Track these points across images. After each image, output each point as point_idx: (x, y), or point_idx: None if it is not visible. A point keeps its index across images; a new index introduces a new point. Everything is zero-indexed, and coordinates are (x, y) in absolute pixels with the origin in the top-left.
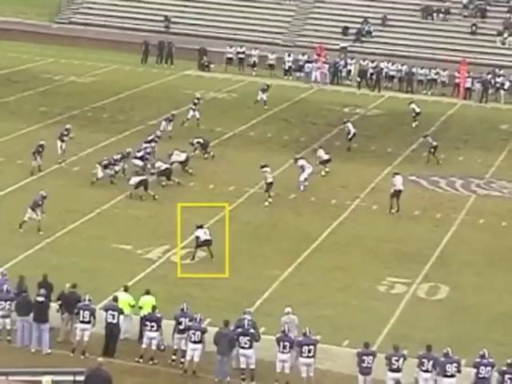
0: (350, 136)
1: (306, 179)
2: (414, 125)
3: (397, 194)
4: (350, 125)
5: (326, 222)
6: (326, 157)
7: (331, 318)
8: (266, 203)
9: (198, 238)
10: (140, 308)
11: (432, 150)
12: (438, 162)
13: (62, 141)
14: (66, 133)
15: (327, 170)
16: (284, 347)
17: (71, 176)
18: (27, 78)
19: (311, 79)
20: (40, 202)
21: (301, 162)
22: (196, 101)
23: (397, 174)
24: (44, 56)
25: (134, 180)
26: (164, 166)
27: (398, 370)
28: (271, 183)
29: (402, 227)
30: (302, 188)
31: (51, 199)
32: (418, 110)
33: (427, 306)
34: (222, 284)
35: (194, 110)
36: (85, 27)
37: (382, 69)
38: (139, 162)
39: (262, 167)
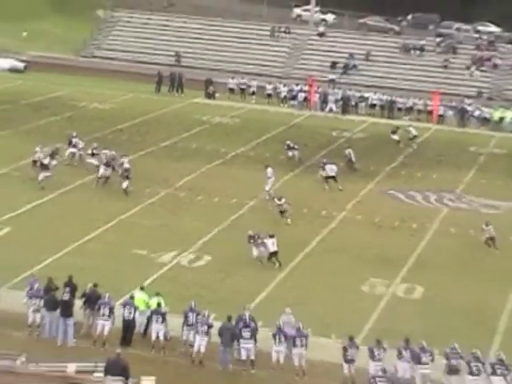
0: (352, 159)
1: (269, 189)
2: (414, 146)
3: (330, 178)
4: (350, 150)
5: (317, 231)
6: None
7: (321, 315)
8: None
9: (265, 244)
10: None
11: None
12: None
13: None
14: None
15: (339, 187)
16: (279, 340)
17: (94, 190)
18: (56, 105)
19: (326, 109)
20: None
21: (269, 171)
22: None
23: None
24: (70, 85)
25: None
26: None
27: (379, 360)
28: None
29: (382, 235)
30: (267, 197)
31: (77, 210)
32: (414, 133)
33: (405, 304)
34: (225, 285)
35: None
36: (106, 61)
37: (367, 98)
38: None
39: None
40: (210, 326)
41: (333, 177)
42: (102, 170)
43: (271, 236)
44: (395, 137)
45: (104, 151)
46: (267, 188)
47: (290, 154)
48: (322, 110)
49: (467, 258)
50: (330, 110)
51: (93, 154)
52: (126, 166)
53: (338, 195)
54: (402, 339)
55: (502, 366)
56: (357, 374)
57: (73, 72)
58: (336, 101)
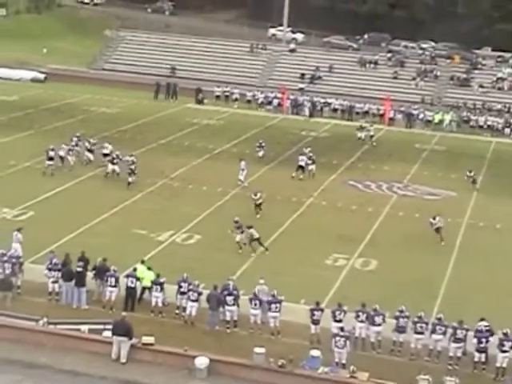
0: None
1: (243, 180)
2: (374, 143)
3: (301, 168)
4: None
5: (289, 214)
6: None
7: (292, 284)
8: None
9: (252, 235)
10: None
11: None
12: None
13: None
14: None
15: (300, 176)
16: (255, 304)
17: (103, 180)
18: (71, 109)
19: (303, 114)
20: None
21: (243, 163)
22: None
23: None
24: (83, 93)
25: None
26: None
27: (340, 321)
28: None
29: (343, 218)
30: (243, 184)
31: (88, 197)
32: (372, 133)
33: (361, 274)
34: (212, 259)
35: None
36: (113, 73)
37: (330, 103)
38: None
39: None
40: (199, 294)
41: (301, 166)
42: (110, 166)
43: (250, 227)
44: (360, 134)
45: (106, 145)
46: (241, 178)
47: (260, 151)
48: (297, 114)
49: (413, 236)
50: (305, 115)
51: (90, 150)
52: (132, 164)
53: (306, 184)
54: (359, 304)
55: (442, 325)
56: (322, 333)
57: (85, 82)
58: (333, 110)
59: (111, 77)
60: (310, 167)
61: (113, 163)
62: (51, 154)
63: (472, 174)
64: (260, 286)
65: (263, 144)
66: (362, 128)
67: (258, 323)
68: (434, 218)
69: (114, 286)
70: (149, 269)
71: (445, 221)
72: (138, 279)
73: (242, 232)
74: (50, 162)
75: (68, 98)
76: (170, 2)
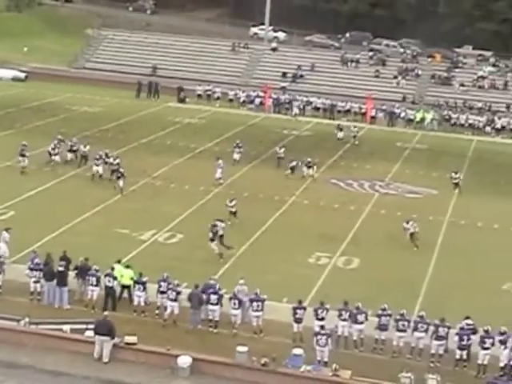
0: (281, 157)
1: (220, 178)
2: (356, 142)
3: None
4: (284, 149)
5: (271, 212)
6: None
7: (275, 282)
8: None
9: (217, 230)
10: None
11: (279, 159)
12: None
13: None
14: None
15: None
16: (234, 304)
17: (84, 179)
18: (52, 108)
19: (292, 113)
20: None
21: (220, 162)
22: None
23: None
24: (64, 92)
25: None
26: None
27: (322, 319)
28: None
29: (325, 216)
30: (219, 182)
31: (70, 197)
32: (355, 133)
33: (344, 273)
34: (195, 258)
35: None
36: (94, 71)
37: (311, 102)
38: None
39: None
40: (178, 293)
41: (280, 158)
42: (94, 168)
43: (221, 221)
44: (340, 134)
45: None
46: (218, 176)
47: (236, 154)
48: (279, 112)
49: (395, 234)
50: (295, 115)
51: (72, 150)
52: (118, 166)
53: (289, 183)
54: (341, 302)
55: (424, 322)
56: (304, 332)
57: (66, 81)
58: (299, 106)
59: (93, 76)
60: (309, 171)
61: (96, 164)
62: (23, 150)
63: (457, 175)
64: (240, 287)
65: (240, 145)
66: (340, 128)
67: (237, 323)
68: (408, 222)
69: (96, 286)
70: (127, 267)
71: (418, 225)
72: (115, 278)
73: (213, 240)
74: (22, 159)
75: (49, 97)
76: (151, 1)
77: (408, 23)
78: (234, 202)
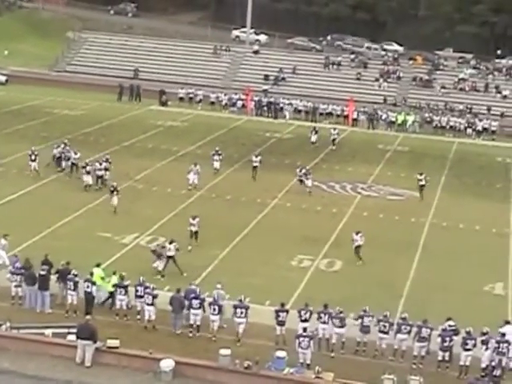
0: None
1: (195, 184)
2: (334, 147)
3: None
4: (260, 158)
5: (253, 215)
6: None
7: (257, 285)
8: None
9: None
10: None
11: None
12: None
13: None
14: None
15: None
16: (214, 310)
17: (66, 183)
18: (33, 112)
19: (283, 117)
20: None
21: (197, 167)
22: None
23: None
24: (45, 95)
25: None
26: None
27: (306, 320)
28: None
29: (308, 219)
30: (193, 187)
31: (51, 200)
32: (335, 136)
33: (326, 275)
34: (177, 261)
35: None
36: (75, 74)
37: (291, 104)
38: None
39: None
40: (154, 297)
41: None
42: (85, 178)
43: (171, 242)
44: (313, 137)
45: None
46: (192, 181)
47: (215, 162)
48: (261, 115)
49: (378, 236)
50: (285, 117)
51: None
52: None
53: (271, 186)
54: (322, 305)
55: (406, 324)
56: (287, 334)
57: (47, 84)
58: (296, 111)
59: (74, 79)
60: (306, 181)
61: (87, 172)
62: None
63: (422, 177)
64: (217, 291)
65: (220, 152)
66: (316, 131)
67: (214, 330)
68: (357, 234)
69: (74, 290)
70: (114, 273)
71: (364, 239)
72: (93, 284)
73: (159, 257)
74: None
75: (30, 101)
76: (132, 4)
77: (389, 26)
78: (196, 220)
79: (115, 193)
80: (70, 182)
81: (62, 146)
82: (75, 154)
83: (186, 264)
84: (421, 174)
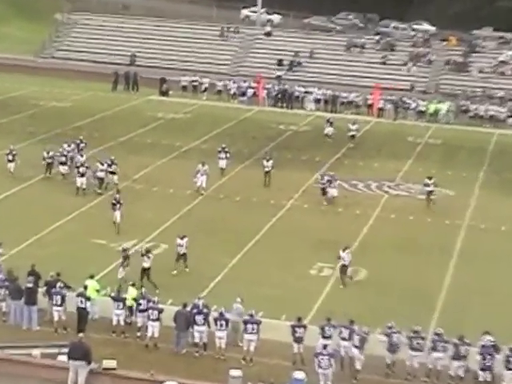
0: (269, 171)
1: (203, 186)
2: (351, 145)
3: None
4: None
5: (267, 218)
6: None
7: (271, 297)
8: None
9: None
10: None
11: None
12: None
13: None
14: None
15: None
16: (221, 325)
17: (56, 184)
18: (18, 103)
19: (307, 109)
20: None
21: (205, 167)
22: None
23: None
24: (30, 85)
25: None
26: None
27: (329, 337)
28: None
29: (328, 222)
30: (200, 189)
31: (40, 203)
32: (354, 132)
33: (349, 286)
34: (182, 271)
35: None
36: (64, 61)
37: (311, 93)
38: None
39: None
40: (160, 312)
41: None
42: (78, 180)
43: (148, 251)
44: (327, 129)
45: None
46: (199, 184)
47: (221, 160)
48: (282, 107)
49: (407, 241)
50: (305, 108)
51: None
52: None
53: (285, 185)
54: (346, 320)
55: (442, 341)
56: (306, 352)
57: (32, 72)
58: (315, 100)
59: (62, 66)
60: (331, 191)
61: (82, 175)
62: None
63: (431, 182)
64: (236, 305)
65: (226, 149)
66: (330, 122)
67: (222, 348)
68: (344, 250)
69: (60, 306)
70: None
71: (351, 256)
72: (88, 299)
73: (127, 265)
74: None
75: (13, 91)
76: None
77: (418, 3)
78: (185, 240)
79: (118, 206)
80: (61, 183)
81: (73, 145)
82: (81, 156)
83: (193, 273)
84: (430, 178)
